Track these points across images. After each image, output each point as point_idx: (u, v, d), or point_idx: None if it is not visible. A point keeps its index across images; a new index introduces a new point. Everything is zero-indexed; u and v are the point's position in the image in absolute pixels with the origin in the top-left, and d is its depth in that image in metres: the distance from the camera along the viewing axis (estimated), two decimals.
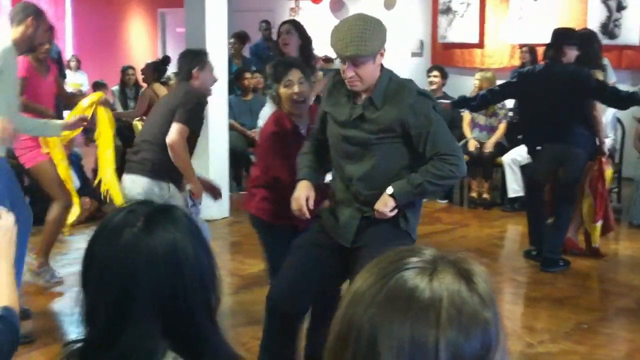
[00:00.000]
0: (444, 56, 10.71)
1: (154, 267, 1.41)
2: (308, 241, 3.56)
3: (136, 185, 4.58)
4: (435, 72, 8.54)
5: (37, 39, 4.64)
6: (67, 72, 11.54)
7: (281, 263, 3.63)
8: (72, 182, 5.73)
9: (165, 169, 4.55)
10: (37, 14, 4.58)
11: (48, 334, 4.70)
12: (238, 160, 8.51)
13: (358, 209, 3.41)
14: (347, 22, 3.28)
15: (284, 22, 5.93)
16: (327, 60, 9.39)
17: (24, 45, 4.58)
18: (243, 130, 8.82)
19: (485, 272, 1.04)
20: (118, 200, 5.15)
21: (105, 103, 5.52)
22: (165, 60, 8.00)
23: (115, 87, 10.04)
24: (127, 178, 4.66)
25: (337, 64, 3.48)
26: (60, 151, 5.43)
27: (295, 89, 3.89)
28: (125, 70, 9.77)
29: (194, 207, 4.76)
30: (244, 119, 8.94)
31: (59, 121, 4.91)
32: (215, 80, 4.80)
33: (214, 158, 7.45)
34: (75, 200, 5.58)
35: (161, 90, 7.84)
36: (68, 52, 13.87)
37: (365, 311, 0.98)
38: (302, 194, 3.45)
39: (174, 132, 4.51)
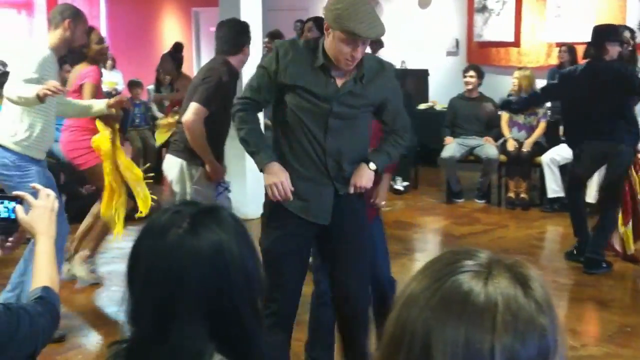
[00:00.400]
0: (479, 55, 10.59)
1: (199, 268, 1.41)
2: (288, 238, 3.41)
3: (172, 165, 4.62)
4: (472, 72, 8.44)
5: (75, 41, 4.59)
6: (103, 70, 11.58)
7: None
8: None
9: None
10: (75, 15, 4.54)
11: (85, 332, 4.70)
12: None
13: (331, 185, 3.37)
14: (362, 3, 3.13)
15: (308, 20, 5.90)
16: None
17: (63, 49, 4.55)
18: None
19: (542, 278, 1.01)
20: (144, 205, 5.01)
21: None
22: (178, 47, 7.55)
23: (151, 86, 10.07)
24: (167, 157, 4.74)
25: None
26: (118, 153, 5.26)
27: None
28: (159, 70, 9.80)
29: (221, 194, 4.72)
30: None
31: (103, 100, 4.86)
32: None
33: (251, 158, 7.42)
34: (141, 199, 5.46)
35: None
36: None
37: (420, 314, 0.97)
38: (284, 179, 3.30)
39: (190, 112, 4.49)
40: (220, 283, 1.41)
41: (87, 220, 5.55)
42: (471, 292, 0.96)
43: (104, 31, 15.20)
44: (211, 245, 1.41)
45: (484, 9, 10.53)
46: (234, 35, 4.70)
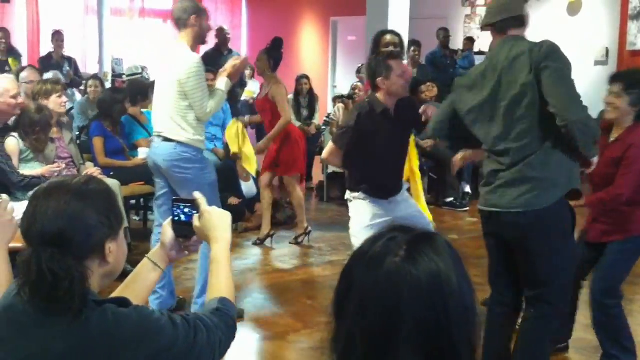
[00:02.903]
0: (631, 64, 10.06)
1: (417, 299, 1.30)
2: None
3: None
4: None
5: (204, 33, 4.73)
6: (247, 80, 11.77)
7: None
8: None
9: None
10: (197, 9, 4.64)
11: None
12: None
13: None
14: None
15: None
16: None
17: (198, 43, 4.73)
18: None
19: None
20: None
21: None
22: (277, 44, 7.02)
23: (290, 96, 10.11)
24: None
25: None
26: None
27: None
28: (299, 79, 9.82)
29: None
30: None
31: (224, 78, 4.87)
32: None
33: None
34: None
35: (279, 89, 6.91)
36: None
37: None
38: None
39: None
40: (438, 316, 1.29)
41: None
42: None
43: (244, 40, 15.51)
44: (429, 275, 1.30)
45: (639, 15, 10.01)
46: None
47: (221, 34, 10.45)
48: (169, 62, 4.63)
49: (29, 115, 5.15)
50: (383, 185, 4.58)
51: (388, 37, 5.69)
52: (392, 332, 1.29)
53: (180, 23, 4.60)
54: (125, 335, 1.77)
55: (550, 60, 3.27)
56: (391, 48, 5.54)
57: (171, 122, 4.58)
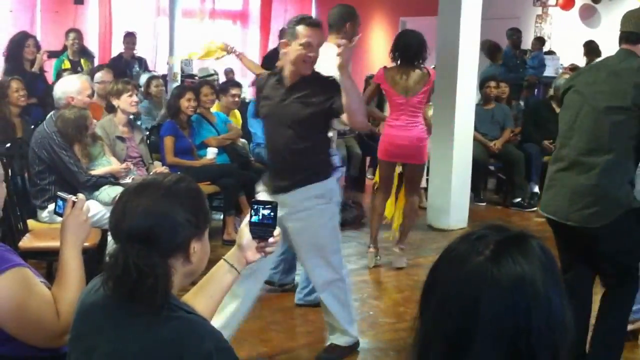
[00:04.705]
0: None
1: (497, 300, 1.27)
2: None
3: None
4: None
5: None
6: None
7: None
8: None
9: None
10: (353, 16, 4.77)
11: None
12: (478, 171, 8.23)
13: None
14: None
15: None
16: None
17: None
18: (484, 141, 8.53)
19: None
20: None
21: None
22: (271, 55, 6.56)
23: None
24: None
25: None
26: None
27: None
28: (368, 79, 9.79)
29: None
30: (485, 129, 8.65)
31: None
32: None
33: (457, 167, 7.30)
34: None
35: None
36: None
37: None
38: None
39: None
40: (518, 320, 1.27)
41: None
42: None
43: None
44: (512, 277, 1.28)
45: None
46: None
47: (282, 34, 10.52)
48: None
49: (63, 116, 5.02)
50: (271, 171, 4.06)
51: None
52: (470, 333, 1.27)
53: (334, 26, 4.75)
54: (198, 348, 1.75)
55: None
56: None
57: None
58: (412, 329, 1.38)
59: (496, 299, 1.27)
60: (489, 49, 10.32)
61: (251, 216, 2.23)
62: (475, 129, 8.29)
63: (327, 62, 4.67)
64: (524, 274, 1.28)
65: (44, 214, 4.95)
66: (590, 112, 3.51)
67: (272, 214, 2.22)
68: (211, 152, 6.61)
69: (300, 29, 3.75)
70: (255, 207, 2.23)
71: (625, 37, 3.54)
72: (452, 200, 7.33)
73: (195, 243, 1.89)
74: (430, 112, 7.28)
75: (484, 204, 8.73)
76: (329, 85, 3.84)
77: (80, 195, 2.46)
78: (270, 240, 2.24)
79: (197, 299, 2.16)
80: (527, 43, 11.47)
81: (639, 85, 3.35)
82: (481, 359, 1.27)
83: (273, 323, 4.89)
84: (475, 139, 8.03)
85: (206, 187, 6.51)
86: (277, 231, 2.26)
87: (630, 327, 4.51)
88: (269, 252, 2.27)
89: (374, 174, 9.89)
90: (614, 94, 3.41)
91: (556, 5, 11.89)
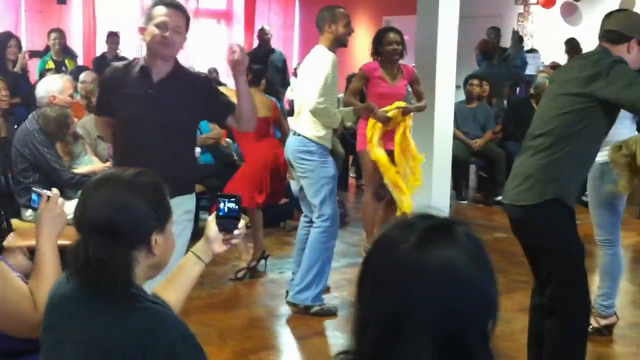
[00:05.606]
0: None
1: (424, 287, 1.32)
2: None
3: None
4: None
5: (342, 37, 5.15)
6: (292, 79, 11.86)
7: None
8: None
9: None
10: (334, 17, 5.06)
11: None
12: (459, 169, 8.31)
13: None
14: None
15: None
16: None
17: (336, 46, 5.13)
18: (465, 140, 8.61)
19: None
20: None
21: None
22: (261, 54, 6.11)
23: (341, 95, 10.15)
24: None
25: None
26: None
27: None
28: (350, 78, 9.83)
29: None
30: (467, 127, 8.73)
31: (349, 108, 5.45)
32: None
33: (437, 166, 7.33)
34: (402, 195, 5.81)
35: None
36: (295, 60, 14.30)
37: None
38: None
39: None
40: (446, 305, 1.31)
41: None
42: None
43: (297, 38, 15.59)
44: (438, 263, 1.32)
45: None
46: None
47: (262, 34, 10.60)
48: (308, 62, 5.08)
49: (44, 113, 5.03)
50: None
51: (391, 35, 6.06)
52: (401, 318, 1.31)
53: (320, 30, 5.08)
54: (163, 337, 1.82)
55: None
56: (394, 46, 5.95)
57: (301, 118, 5.01)
58: (350, 315, 1.42)
59: (423, 285, 1.31)
60: (484, 48, 10.40)
61: (218, 209, 2.32)
62: (458, 127, 8.38)
63: (311, 64, 4.97)
64: (450, 260, 1.32)
65: (28, 213, 4.97)
66: (546, 100, 3.58)
67: (236, 207, 2.31)
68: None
69: (156, 10, 3.49)
70: (221, 200, 2.32)
71: (607, 35, 3.56)
72: (433, 198, 7.36)
73: (157, 235, 1.93)
74: None
75: (466, 202, 8.80)
76: (206, 84, 3.71)
77: (54, 190, 2.51)
78: (236, 232, 2.33)
79: (166, 290, 2.24)
80: (508, 41, 11.55)
81: (589, 75, 3.38)
82: (412, 343, 1.31)
83: (257, 320, 4.94)
84: (456, 138, 8.11)
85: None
86: (241, 223, 2.34)
87: (604, 321, 4.59)
88: (234, 244, 2.37)
89: (357, 173, 9.97)
90: (569, 81, 3.45)
91: (537, 3, 11.98)
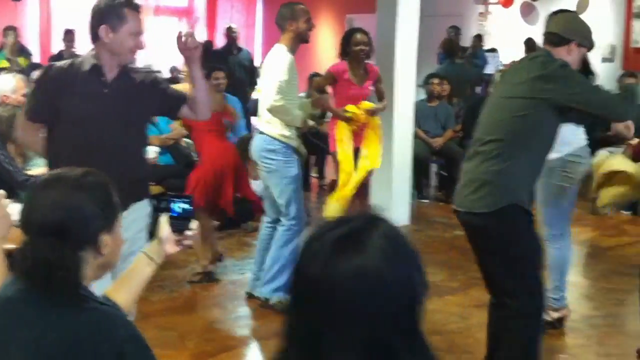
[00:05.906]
0: (636, 61, 10.14)
1: (340, 299, 1.32)
2: None
3: None
4: (631, 80, 8.12)
5: (302, 34, 5.07)
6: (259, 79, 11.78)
7: None
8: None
9: None
10: (292, 14, 5.01)
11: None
12: (419, 168, 8.33)
13: None
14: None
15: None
16: None
17: (298, 43, 5.08)
18: (426, 138, 8.63)
19: None
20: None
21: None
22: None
23: (303, 94, 10.12)
24: None
25: None
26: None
27: None
28: (312, 77, 9.80)
29: None
30: (427, 126, 8.75)
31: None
32: None
33: (397, 164, 7.35)
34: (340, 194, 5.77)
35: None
36: (257, 59, 14.23)
37: None
38: None
39: None
40: (364, 313, 1.31)
41: None
42: None
43: (259, 38, 15.52)
44: (348, 275, 1.31)
45: None
46: None
47: (229, 33, 10.52)
48: (267, 62, 5.07)
49: None
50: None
51: (358, 35, 5.95)
52: (324, 324, 1.32)
53: (280, 28, 5.04)
54: (111, 337, 1.82)
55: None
56: (361, 47, 5.85)
57: (264, 117, 5.02)
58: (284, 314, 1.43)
59: (338, 298, 1.31)
60: (447, 47, 10.44)
61: (170, 210, 2.33)
62: (419, 125, 8.39)
63: (269, 63, 4.97)
64: (357, 269, 1.31)
65: None
66: (493, 103, 3.59)
67: (189, 207, 2.33)
68: (152, 152, 6.56)
69: (131, 14, 3.38)
70: (172, 201, 2.34)
71: (548, 38, 3.61)
72: (394, 196, 7.38)
73: (105, 235, 1.91)
74: None
75: (427, 200, 8.83)
76: (153, 79, 3.61)
77: (1, 191, 2.45)
78: (188, 233, 2.33)
79: (117, 292, 2.22)
80: (468, 41, 11.62)
81: (537, 77, 3.40)
82: (338, 349, 1.31)
83: (216, 322, 4.91)
84: (417, 136, 8.12)
85: (151, 188, 6.45)
86: (194, 224, 2.34)
87: (556, 314, 4.64)
88: (186, 246, 2.36)
89: (319, 173, 9.94)
90: (515, 85, 3.47)
91: (497, 2, 12.07)
